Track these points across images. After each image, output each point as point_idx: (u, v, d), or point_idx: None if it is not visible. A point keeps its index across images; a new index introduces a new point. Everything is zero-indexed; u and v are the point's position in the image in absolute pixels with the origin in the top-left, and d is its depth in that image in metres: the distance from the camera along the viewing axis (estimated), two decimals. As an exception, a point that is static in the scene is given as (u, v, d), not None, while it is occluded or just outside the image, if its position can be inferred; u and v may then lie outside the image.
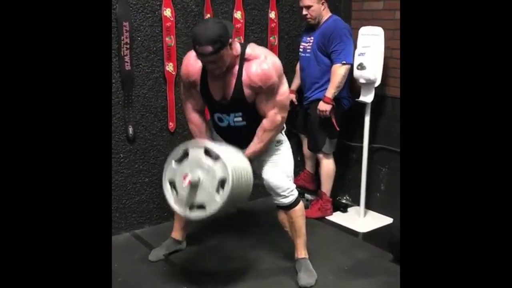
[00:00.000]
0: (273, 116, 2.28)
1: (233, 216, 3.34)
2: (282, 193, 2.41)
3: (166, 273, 2.60)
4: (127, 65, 2.80)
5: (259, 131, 2.31)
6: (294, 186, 2.48)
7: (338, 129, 3.15)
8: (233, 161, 2.11)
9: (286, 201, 2.43)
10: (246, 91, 2.23)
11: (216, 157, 2.07)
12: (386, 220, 3.26)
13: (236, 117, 2.33)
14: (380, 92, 3.24)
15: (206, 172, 2.07)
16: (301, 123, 3.41)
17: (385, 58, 3.13)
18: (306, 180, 3.53)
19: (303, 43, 3.24)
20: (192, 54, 2.29)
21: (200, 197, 2.09)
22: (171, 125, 3.06)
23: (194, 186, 2.07)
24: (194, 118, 2.44)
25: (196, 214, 2.12)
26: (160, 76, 2.97)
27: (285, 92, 2.29)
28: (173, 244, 2.76)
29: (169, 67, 2.96)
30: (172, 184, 2.17)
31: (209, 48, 2.05)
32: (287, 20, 3.45)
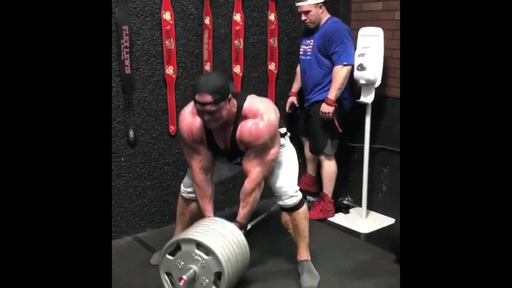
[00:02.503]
0: (256, 174, 2.27)
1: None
2: (286, 193, 2.41)
3: (168, 276, 2.59)
4: (127, 68, 2.81)
5: (242, 195, 2.32)
6: (298, 187, 2.48)
7: (340, 130, 3.15)
8: (226, 247, 2.16)
9: (290, 202, 2.43)
10: (240, 146, 2.26)
11: (208, 251, 2.12)
12: (388, 221, 3.26)
13: (241, 159, 2.35)
14: (380, 93, 3.23)
15: (201, 266, 2.13)
16: (302, 126, 3.41)
17: (385, 58, 3.13)
18: (308, 183, 3.52)
19: (303, 46, 3.24)
20: (186, 111, 2.30)
21: None
22: (172, 128, 3.06)
23: (190, 282, 2.14)
24: (201, 182, 2.39)
25: None
26: (161, 80, 2.97)
27: (273, 154, 2.28)
28: (175, 247, 2.76)
29: (169, 70, 2.96)
30: (169, 275, 2.23)
31: (209, 98, 2.04)
32: (286, 22, 3.45)
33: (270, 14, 3.33)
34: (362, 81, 3.10)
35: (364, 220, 3.36)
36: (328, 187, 3.33)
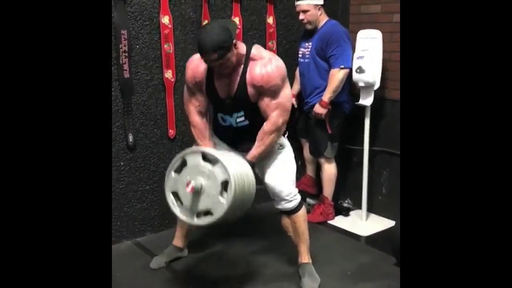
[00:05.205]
0: (275, 118, 2.27)
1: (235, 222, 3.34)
2: (285, 198, 2.41)
3: (168, 281, 2.59)
4: (126, 73, 2.80)
5: (260, 134, 2.30)
6: (297, 190, 2.47)
7: (330, 131, 3.15)
8: (233, 163, 2.11)
9: (289, 205, 2.43)
10: (249, 89, 2.24)
11: (214, 161, 2.05)
12: (388, 223, 3.26)
13: (238, 117, 2.33)
14: (379, 95, 3.24)
15: (207, 177, 2.05)
16: (302, 128, 3.41)
17: (384, 61, 3.13)
18: (307, 184, 3.52)
19: (301, 49, 3.25)
20: (195, 57, 2.32)
21: (205, 203, 2.06)
22: (171, 132, 3.06)
23: (197, 193, 2.05)
24: (197, 122, 2.42)
25: (204, 221, 2.09)
26: (159, 84, 2.97)
27: (287, 96, 2.29)
28: (175, 251, 2.75)
29: (168, 74, 2.96)
30: (175, 195, 2.15)
31: (214, 55, 2.08)
32: (285, 25, 3.45)
33: (268, 18, 3.34)
34: (361, 84, 3.10)
35: (364, 223, 3.36)
36: (328, 190, 3.33)
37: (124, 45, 2.76)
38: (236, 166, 2.10)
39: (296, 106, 3.40)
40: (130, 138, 2.91)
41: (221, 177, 2.02)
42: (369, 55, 3.05)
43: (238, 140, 2.42)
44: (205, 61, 2.16)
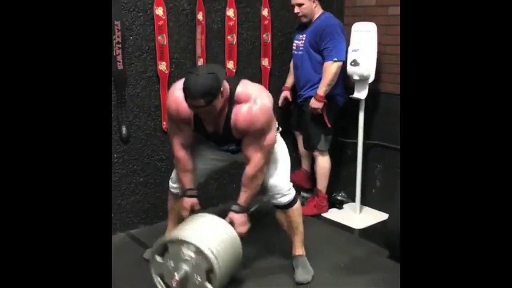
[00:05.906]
0: (257, 161, 2.24)
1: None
2: (279, 192, 2.40)
3: (162, 273, 2.59)
4: (120, 64, 2.79)
5: (244, 180, 2.29)
6: (291, 184, 2.47)
7: (329, 125, 3.15)
8: (214, 243, 2.13)
9: (284, 200, 2.42)
10: (234, 133, 2.21)
11: (196, 250, 2.09)
12: (382, 216, 3.27)
13: (230, 146, 2.35)
14: (373, 88, 3.23)
15: (191, 265, 2.11)
16: (295, 121, 3.41)
17: (379, 54, 3.12)
18: (302, 178, 3.52)
19: (296, 41, 3.24)
20: (176, 88, 2.21)
21: None
22: (165, 124, 3.04)
23: (183, 282, 2.11)
24: (181, 156, 2.37)
25: None
26: (153, 75, 2.95)
27: (271, 139, 2.25)
28: (169, 243, 2.75)
29: (162, 66, 2.94)
30: (162, 277, 2.21)
31: (201, 102, 2.01)
32: (280, 17, 3.44)
33: (263, 10, 3.32)
34: (355, 77, 3.10)
35: (357, 216, 3.37)
36: (322, 183, 3.33)
37: (118, 37, 2.74)
38: (217, 245, 2.13)
39: (290, 99, 3.40)
40: (124, 130, 2.89)
41: (205, 266, 2.09)
42: (363, 48, 3.05)
43: (232, 155, 2.45)
44: (190, 106, 2.07)
